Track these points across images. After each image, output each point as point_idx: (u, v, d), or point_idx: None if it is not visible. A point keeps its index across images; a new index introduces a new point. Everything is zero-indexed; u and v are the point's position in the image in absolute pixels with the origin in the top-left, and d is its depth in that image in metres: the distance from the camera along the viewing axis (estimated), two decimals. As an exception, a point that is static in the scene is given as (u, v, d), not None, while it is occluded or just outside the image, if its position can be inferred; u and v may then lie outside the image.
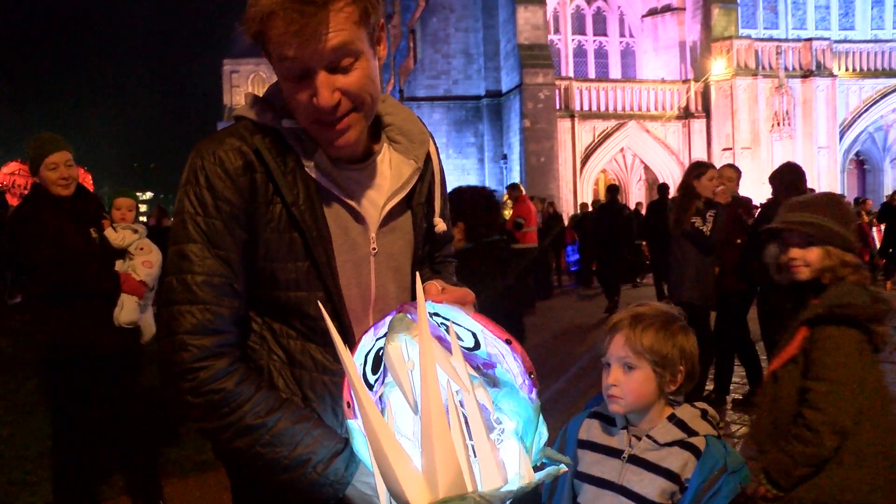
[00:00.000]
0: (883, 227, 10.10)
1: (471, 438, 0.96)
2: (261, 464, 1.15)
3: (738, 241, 5.53)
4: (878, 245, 13.19)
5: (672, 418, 1.62)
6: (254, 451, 1.15)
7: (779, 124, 24.12)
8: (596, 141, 24.49)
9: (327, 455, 1.15)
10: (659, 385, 1.61)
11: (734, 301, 5.52)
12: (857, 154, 27.63)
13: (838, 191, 20.83)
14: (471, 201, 3.36)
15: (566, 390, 5.33)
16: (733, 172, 6.07)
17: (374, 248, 1.30)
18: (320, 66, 1.12)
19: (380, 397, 1.05)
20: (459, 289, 1.24)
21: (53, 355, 3.32)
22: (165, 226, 12.57)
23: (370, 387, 1.04)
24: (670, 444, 1.59)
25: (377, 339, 1.07)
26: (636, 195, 25.65)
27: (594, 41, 28.36)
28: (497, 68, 25.52)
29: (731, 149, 23.91)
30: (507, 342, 1.04)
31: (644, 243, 13.39)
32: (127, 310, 3.48)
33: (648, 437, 1.61)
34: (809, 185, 6.03)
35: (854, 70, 25.79)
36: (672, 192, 12.15)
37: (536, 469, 1.02)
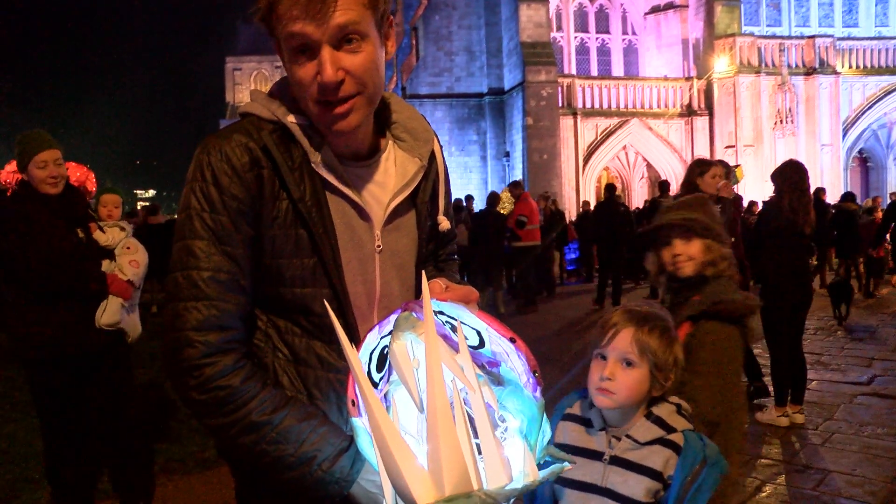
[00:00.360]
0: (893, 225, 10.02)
1: (476, 436, 0.95)
2: (266, 461, 1.15)
3: (732, 238, 5.57)
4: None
5: (650, 416, 1.61)
6: (259, 448, 1.14)
7: (782, 122, 24.06)
8: (598, 138, 24.44)
9: (333, 452, 1.15)
10: (650, 388, 1.60)
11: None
12: (860, 151, 27.53)
13: (842, 188, 20.75)
14: None
15: (569, 389, 5.31)
16: (721, 169, 6.11)
17: (378, 246, 1.30)
18: (326, 40, 1.12)
19: (385, 395, 1.05)
20: (463, 287, 1.24)
21: (31, 354, 3.24)
22: (151, 223, 12.37)
23: (375, 385, 1.04)
24: (651, 443, 1.57)
25: (382, 337, 1.06)
26: (639, 193, 25.61)
27: (597, 38, 28.27)
28: (500, 66, 25.47)
29: (733, 146, 23.85)
30: (512, 340, 1.04)
31: None
32: (109, 312, 3.38)
33: (628, 436, 1.59)
34: (812, 182, 6.02)
35: (857, 67, 25.68)
36: (674, 190, 12.16)
37: (540, 467, 1.02)
